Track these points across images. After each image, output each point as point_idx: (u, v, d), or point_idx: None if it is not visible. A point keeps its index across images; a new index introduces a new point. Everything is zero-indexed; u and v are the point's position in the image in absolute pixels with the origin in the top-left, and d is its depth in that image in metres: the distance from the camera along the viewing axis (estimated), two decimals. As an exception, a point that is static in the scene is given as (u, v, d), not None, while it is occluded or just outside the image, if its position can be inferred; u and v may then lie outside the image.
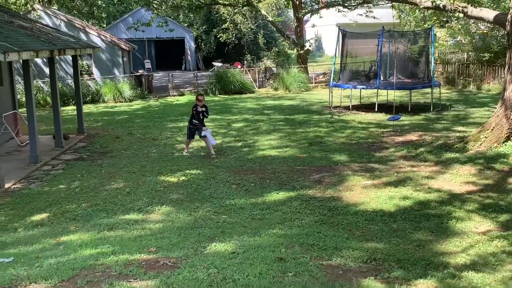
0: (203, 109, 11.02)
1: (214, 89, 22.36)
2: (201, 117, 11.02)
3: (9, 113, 12.98)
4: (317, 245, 5.78)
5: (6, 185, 9.19)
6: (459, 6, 11.19)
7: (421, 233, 6.38)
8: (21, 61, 10.04)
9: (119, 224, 6.92)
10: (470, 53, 23.29)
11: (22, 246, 6.21)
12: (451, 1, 11.33)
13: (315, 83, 24.50)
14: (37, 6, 23.84)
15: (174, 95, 22.63)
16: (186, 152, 11.31)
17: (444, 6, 11.41)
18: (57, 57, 15.92)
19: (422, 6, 12.25)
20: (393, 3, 20.83)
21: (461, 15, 11.26)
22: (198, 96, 11.23)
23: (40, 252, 5.84)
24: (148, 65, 30.55)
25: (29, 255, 5.70)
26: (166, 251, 5.47)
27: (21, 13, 21.36)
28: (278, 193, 8.22)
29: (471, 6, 11.52)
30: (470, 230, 6.44)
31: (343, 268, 4.89)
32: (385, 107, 16.40)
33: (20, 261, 5.42)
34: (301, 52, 24.57)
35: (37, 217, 7.56)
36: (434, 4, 11.48)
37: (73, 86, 20.90)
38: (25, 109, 11.23)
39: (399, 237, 6.20)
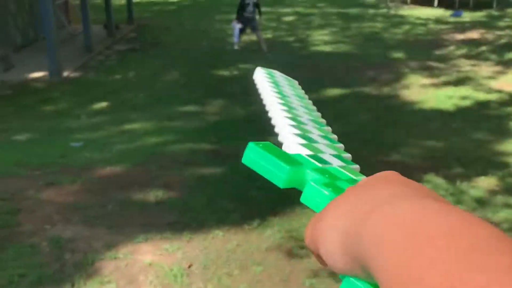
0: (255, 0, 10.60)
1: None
2: (251, 8, 10.60)
3: (60, 1, 12.98)
4: (375, 141, 5.82)
5: (64, 74, 9.43)
6: None
7: (480, 133, 6.30)
8: None
9: (177, 114, 7.11)
10: None
11: (88, 132, 6.50)
12: None
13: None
14: None
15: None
16: (238, 46, 11.17)
17: None
18: None
19: None
20: None
21: None
22: None
23: (106, 138, 6.14)
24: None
25: (97, 141, 6.00)
26: (227, 141, 5.65)
27: None
28: (332, 90, 8.17)
29: None
30: (532, 132, 6.31)
31: (403, 164, 4.96)
32: (445, 1, 15.49)
33: (90, 146, 5.73)
34: None
35: (98, 106, 7.81)
36: None
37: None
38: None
39: (458, 136, 6.15)
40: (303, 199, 0.42)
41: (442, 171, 4.84)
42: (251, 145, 0.45)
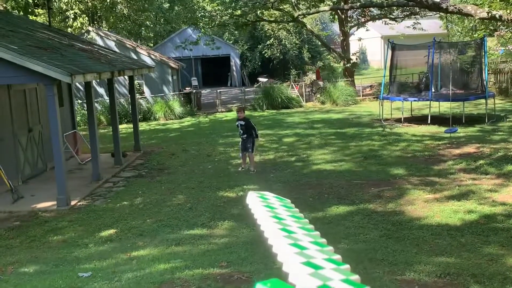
0: (241, 122, 11.21)
1: (261, 104, 22.60)
2: (240, 130, 11.21)
3: (69, 132, 13.53)
4: (387, 260, 5.76)
5: (72, 202, 9.54)
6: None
7: (491, 247, 6.25)
8: (83, 82, 10.51)
9: (185, 239, 7.10)
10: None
11: (96, 261, 6.44)
12: (508, 12, 11.13)
13: (362, 96, 24.38)
14: (90, 28, 24.85)
15: (222, 111, 23.01)
16: (242, 168, 11.47)
17: (500, 17, 11.22)
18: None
19: (477, 17, 12.06)
20: (442, 13, 20.57)
21: None
22: (237, 110, 11.70)
23: (115, 267, 6.07)
24: (194, 82, 31.19)
25: (105, 270, 5.93)
26: (238, 265, 5.59)
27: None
28: (338, 208, 8.23)
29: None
30: (544, 245, 6.26)
31: (419, 283, 4.88)
32: (438, 119, 16.15)
33: (98, 276, 5.65)
34: (348, 65, 24.54)
35: (105, 233, 7.81)
36: (489, 15, 11.29)
37: (125, 105, 21.63)
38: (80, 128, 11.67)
39: (469, 252, 6.10)
40: None
41: (459, 289, 4.75)
42: (258, 285, 0.49)
